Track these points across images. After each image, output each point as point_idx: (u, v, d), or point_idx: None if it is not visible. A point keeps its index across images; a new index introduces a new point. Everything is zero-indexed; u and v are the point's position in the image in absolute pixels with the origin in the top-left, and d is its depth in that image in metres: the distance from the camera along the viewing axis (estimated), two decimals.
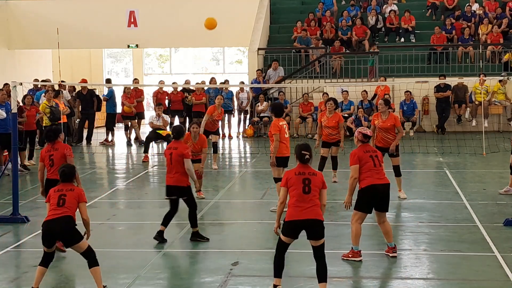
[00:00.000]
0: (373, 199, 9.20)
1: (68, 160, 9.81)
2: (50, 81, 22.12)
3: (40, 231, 11.22)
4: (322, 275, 7.80)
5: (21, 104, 17.46)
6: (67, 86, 22.52)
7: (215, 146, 16.77)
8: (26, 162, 17.40)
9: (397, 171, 13.06)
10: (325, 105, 15.39)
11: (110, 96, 22.94)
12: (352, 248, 9.35)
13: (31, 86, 22.41)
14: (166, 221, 10.39)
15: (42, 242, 8.26)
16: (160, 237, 10.32)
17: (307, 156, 7.88)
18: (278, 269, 7.92)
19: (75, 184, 8.50)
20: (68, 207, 8.07)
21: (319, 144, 14.70)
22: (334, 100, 15.07)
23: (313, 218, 7.69)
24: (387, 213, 9.49)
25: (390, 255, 9.44)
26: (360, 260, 9.23)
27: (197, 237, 10.41)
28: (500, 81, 22.76)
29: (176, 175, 10.27)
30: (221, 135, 23.35)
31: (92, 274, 8.08)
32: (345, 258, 9.33)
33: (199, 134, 13.18)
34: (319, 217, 7.73)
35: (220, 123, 18.38)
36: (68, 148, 10.07)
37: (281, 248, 7.91)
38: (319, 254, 7.81)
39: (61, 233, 8.05)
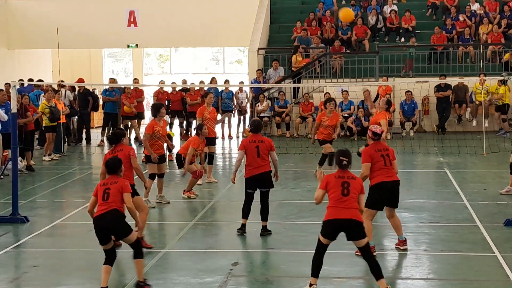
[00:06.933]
0: (384, 196, 9.43)
1: (132, 160, 9.89)
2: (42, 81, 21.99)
3: (40, 231, 11.29)
4: (376, 272, 7.98)
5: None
6: (66, 86, 22.45)
7: (211, 157, 14.87)
8: (32, 162, 17.34)
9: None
10: (324, 106, 15.79)
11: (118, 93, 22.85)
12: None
13: (32, 86, 22.35)
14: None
15: (98, 241, 8.32)
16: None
17: (344, 162, 8.17)
18: (316, 269, 8.08)
19: (121, 175, 8.54)
20: (112, 200, 8.23)
21: (314, 141, 15.66)
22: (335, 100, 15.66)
23: (351, 218, 7.91)
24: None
25: (401, 247, 9.62)
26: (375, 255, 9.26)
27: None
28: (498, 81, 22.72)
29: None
30: (221, 135, 23.31)
31: (135, 265, 8.35)
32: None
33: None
34: (357, 218, 7.95)
35: (217, 127, 16.40)
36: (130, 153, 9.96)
37: (320, 250, 8.09)
38: (365, 254, 8.03)
39: (110, 227, 8.20)
